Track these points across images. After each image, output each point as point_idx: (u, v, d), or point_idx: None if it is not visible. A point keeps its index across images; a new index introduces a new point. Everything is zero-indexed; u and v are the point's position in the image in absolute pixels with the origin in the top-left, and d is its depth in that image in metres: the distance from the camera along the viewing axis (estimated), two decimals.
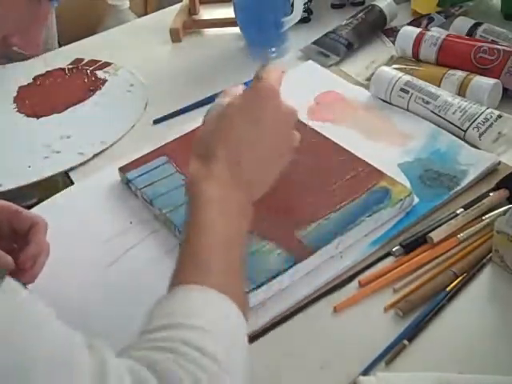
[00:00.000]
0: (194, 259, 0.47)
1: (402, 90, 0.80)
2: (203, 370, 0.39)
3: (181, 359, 0.39)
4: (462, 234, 0.63)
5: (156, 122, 0.88)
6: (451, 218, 0.64)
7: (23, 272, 0.61)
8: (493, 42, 0.86)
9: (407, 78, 0.81)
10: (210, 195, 0.50)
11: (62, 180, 0.82)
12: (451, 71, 0.81)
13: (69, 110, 0.93)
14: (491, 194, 0.66)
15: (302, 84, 0.89)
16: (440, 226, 0.64)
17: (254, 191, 0.54)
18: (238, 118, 0.54)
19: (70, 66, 1.03)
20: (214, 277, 0.46)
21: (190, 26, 1.09)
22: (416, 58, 0.88)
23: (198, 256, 0.47)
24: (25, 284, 0.62)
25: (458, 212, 0.65)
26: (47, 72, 1.02)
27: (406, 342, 0.55)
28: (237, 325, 0.45)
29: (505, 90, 0.79)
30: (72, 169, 0.81)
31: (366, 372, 0.53)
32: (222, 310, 0.45)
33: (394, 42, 0.93)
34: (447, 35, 0.86)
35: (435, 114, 0.77)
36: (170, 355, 0.39)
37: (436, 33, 0.87)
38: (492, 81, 0.78)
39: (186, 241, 0.49)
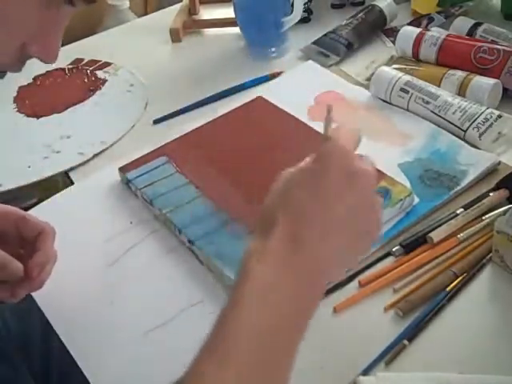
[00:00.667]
0: (215, 349, 0.39)
1: (402, 89, 0.80)
2: None
3: None
4: (461, 234, 0.63)
5: (156, 121, 0.88)
6: (451, 218, 0.64)
7: (30, 279, 0.60)
8: (493, 42, 0.86)
9: (407, 77, 0.81)
10: (255, 271, 0.41)
11: (62, 180, 0.82)
12: (451, 71, 0.81)
13: (69, 110, 0.93)
14: (491, 194, 0.66)
15: (302, 84, 0.89)
16: (440, 225, 0.64)
17: (321, 278, 0.44)
18: (300, 187, 0.44)
19: (70, 66, 1.03)
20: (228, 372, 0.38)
21: (190, 26, 1.09)
22: (416, 57, 0.88)
23: (226, 342, 0.39)
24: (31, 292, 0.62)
25: (458, 212, 0.65)
26: (47, 72, 1.02)
27: (405, 342, 0.55)
28: None
29: (505, 89, 0.79)
30: (72, 169, 0.81)
31: (365, 372, 0.53)
32: None
33: (394, 42, 0.93)
34: (447, 35, 0.86)
35: (435, 114, 0.77)
36: None
37: (436, 33, 0.87)
38: (492, 81, 0.78)
39: (217, 320, 0.42)
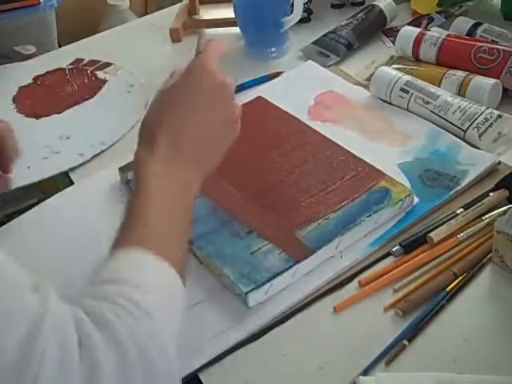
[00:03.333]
0: (135, 223, 0.49)
1: (402, 89, 0.80)
2: (133, 317, 0.41)
3: (115, 307, 0.42)
4: (461, 234, 0.63)
5: None
6: (451, 218, 0.64)
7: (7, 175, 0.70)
8: (493, 42, 0.85)
9: (407, 77, 0.81)
10: (151, 171, 0.52)
11: (62, 180, 0.82)
12: (451, 71, 0.81)
13: (69, 110, 0.93)
14: (491, 194, 0.67)
15: (302, 84, 0.89)
16: (440, 226, 0.64)
17: (202, 166, 0.56)
18: (173, 98, 0.57)
19: (70, 66, 1.03)
20: (153, 240, 0.48)
21: (190, 26, 1.09)
22: (416, 57, 0.88)
23: (139, 220, 0.49)
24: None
25: (458, 212, 0.65)
26: (47, 72, 1.02)
27: (405, 342, 0.55)
28: (172, 285, 0.47)
29: (505, 90, 0.79)
30: (72, 169, 0.81)
31: (365, 372, 0.53)
32: (158, 273, 0.46)
33: (394, 42, 0.92)
34: (447, 35, 0.86)
35: (435, 114, 0.77)
36: (108, 304, 0.42)
37: (436, 33, 0.87)
38: (492, 81, 0.78)
39: (128, 209, 0.51)
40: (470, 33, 0.89)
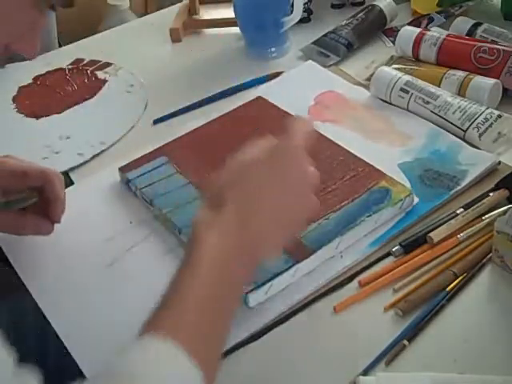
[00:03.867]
0: (173, 305, 0.46)
1: (402, 89, 0.80)
2: None
3: None
4: (461, 234, 0.63)
5: (156, 121, 0.88)
6: (451, 218, 0.64)
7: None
8: (493, 42, 0.85)
9: (407, 77, 0.81)
10: (207, 241, 0.48)
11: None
12: (451, 71, 0.81)
13: (68, 110, 0.93)
14: (491, 194, 0.66)
15: (302, 84, 0.89)
16: (440, 226, 0.64)
17: (261, 249, 0.52)
18: (255, 174, 0.52)
19: (70, 66, 1.03)
20: (185, 333, 0.44)
21: (190, 26, 1.09)
22: (416, 57, 0.88)
23: (179, 303, 0.46)
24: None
25: (458, 212, 0.65)
26: (47, 72, 1.02)
27: (405, 342, 0.55)
28: None
29: (505, 90, 0.79)
30: (72, 169, 0.81)
31: (365, 372, 0.53)
32: (183, 375, 0.42)
33: (394, 42, 0.92)
34: (447, 35, 0.86)
35: (435, 114, 0.77)
36: None
37: (436, 33, 0.87)
38: (492, 81, 0.78)
39: (173, 281, 0.48)
40: (470, 33, 0.89)
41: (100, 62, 1.03)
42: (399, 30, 0.90)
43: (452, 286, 0.59)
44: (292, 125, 0.55)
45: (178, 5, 1.14)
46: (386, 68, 0.84)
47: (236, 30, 1.03)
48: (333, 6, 1.08)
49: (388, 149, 0.75)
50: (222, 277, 0.48)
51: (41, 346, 0.70)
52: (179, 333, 0.43)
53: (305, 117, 0.57)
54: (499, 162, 0.70)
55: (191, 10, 1.11)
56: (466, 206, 0.66)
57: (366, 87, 0.86)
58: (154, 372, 0.41)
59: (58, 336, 0.60)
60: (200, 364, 0.42)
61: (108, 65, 1.02)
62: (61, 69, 1.02)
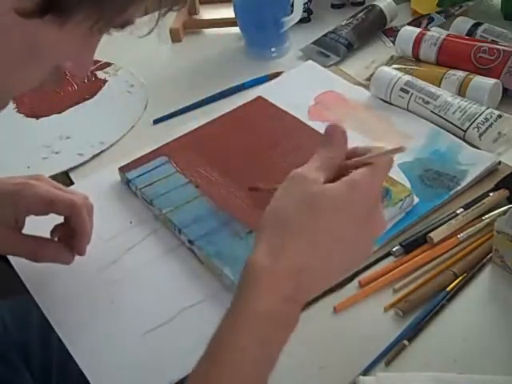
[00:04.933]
0: (222, 358, 0.43)
1: (402, 89, 0.80)
2: None
3: None
4: (461, 234, 0.63)
5: (156, 121, 0.88)
6: (451, 218, 0.64)
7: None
8: (493, 42, 0.85)
9: (407, 77, 0.81)
10: (264, 285, 0.43)
11: (62, 180, 0.82)
12: (451, 71, 0.81)
13: (68, 110, 0.93)
14: (491, 194, 0.66)
15: (302, 84, 0.89)
16: (440, 226, 0.64)
17: (307, 298, 0.48)
18: (326, 209, 0.45)
19: None
20: None
21: (190, 25, 1.09)
22: (416, 57, 0.88)
23: (228, 356, 0.43)
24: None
25: (458, 212, 0.65)
26: None
27: (405, 342, 0.55)
28: None
29: (505, 90, 0.79)
30: (72, 169, 0.81)
31: (366, 372, 0.53)
32: None
33: (394, 42, 0.92)
34: (447, 35, 0.86)
35: (435, 113, 0.77)
36: None
37: (436, 33, 0.87)
38: (492, 81, 0.78)
39: (222, 324, 0.45)
40: (470, 33, 0.89)
41: (100, 61, 1.03)
42: (399, 30, 0.90)
43: (452, 286, 0.59)
44: (377, 161, 0.47)
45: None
46: (386, 68, 0.84)
47: (236, 29, 1.03)
48: (333, 6, 1.08)
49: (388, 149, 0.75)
50: (269, 347, 0.44)
51: (42, 345, 0.70)
52: None
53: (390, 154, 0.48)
54: (499, 162, 0.70)
55: (191, 10, 1.11)
56: (466, 206, 0.66)
57: (366, 87, 0.86)
58: None
59: (58, 336, 0.60)
60: None
61: (108, 65, 1.02)
62: None
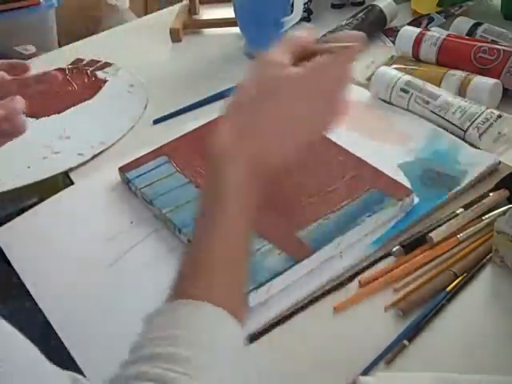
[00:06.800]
0: (198, 268, 0.45)
1: (402, 89, 0.80)
2: None
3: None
4: (461, 234, 0.63)
5: (156, 121, 0.88)
6: (451, 218, 0.64)
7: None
8: (493, 42, 0.86)
9: (407, 77, 0.81)
10: (234, 184, 0.46)
11: (62, 180, 0.82)
12: (451, 71, 0.81)
13: (69, 110, 0.93)
14: (491, 194, 0.66)
15: None
16: (440, 226, 0.64)
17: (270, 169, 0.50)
18: (292, 96, 0.49)
19: (70, 66, 1.03)
20: (217, 293, 0.44)
21: (190, 25, 1.09)
22: (416, 57, 0.88)
23: (203, 265, 0.45)
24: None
25: (458, 212, 0.65)
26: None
27: (406, 342, 0.55)
28: (237, 349, 0.43)
29: (505, 90, 0.79)
30: (72, 169, 0.81)
31: (366, 372, 0.53)
32: (224, 336, 0.42)
33: (394, 42, 0.93)
34: (447, 35, 0.86)
35: (435, 113, 0.77)
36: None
37: (436, 33, 0.87)
38: (492, 81, 0.78)
39: (195, 240, 0.46)
40: (470, 33, 0.89)
41: (100, 61, 1.03)
42: (399, 30, 0.90)
43: (452, 285, 0.59)
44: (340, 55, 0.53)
45: (178, 5, 1.14)
46: (386, 68, 0.84)
47: (236, 29, 1.03)
48: (333, 6, 1.08)
49: (388, 149, 0.75)
50: (243, 224, 0.47)
51: (42, 345, 0.70)
52: (213, 294, 0.43)
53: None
54: (499, 162, 0.70)
55: (191, 10, 1.11)
56: (466, 206, 0.66)
57: (366, 87, 0.86)
58: (208, 338, 0.41)
59: (58, 336, 0.60)
60: (236, 315, 0.43)
61: (108, 65, 1.02)
62: (61, 69, 1.02)
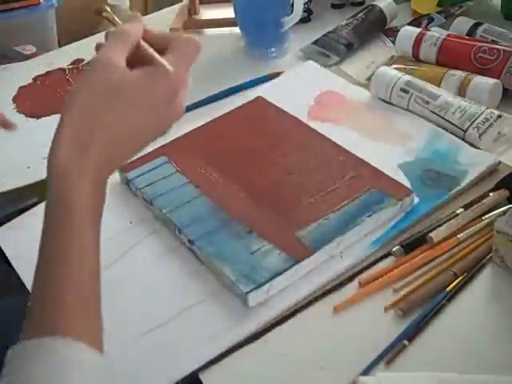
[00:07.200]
0: (45, 296, 0.47)
1: (402, 90, 0.80)
2: None
3: None
4: (461, 234, 0.63)
5: None
6: (451, 218, 0.64)
7: None
8: (493, 42, 0.85)
9: (407, 77, 0.81)
10: (83, 200, 0.50)
11: None
12: (451, 71, 0.81)
13: None
14: (491, 194, 0.67)
15: (302, 84, 0.89)
16: (440, 226, 0.64)
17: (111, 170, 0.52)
18: (129, 102, 0.50)
19: (70, 66, 1.03)
20: (71, 322, 0.45)
21: (190, 25, 1.09)
22: (416, 57, 0.88)
23: (51, 291, 0.46)
24: None
25: (458, 212, 0.65)
26: (47, 72, 1.02)
27: (406, 342, 0.55)
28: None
29: (505, 90, 0.79)
30: None
31: (366, 372, 0.53)
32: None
33: (394, 42, 0.92)
34: (447, 35, 0.86)
35: (435, 113, 0.77)
36: None
37: (436, 33, 0.87)
38: (492, 81, 0.78)
39: (42, 269, 0.48)
40: (470, 33, 0.89)
41: None
42: (399, 30, 0.90)
43: (452, 285, 0.59)
44: (180, 45, 0.52)
45: (178, 5, 1.14)
46: (386, 68, 0.84)
47: (236, 30, 1.03)
48: (333, 6, 1.08)
49: (388, 149, 0.75)
50: (95, 236, 0.50)
51: None
52: (69, 327, 0.44)
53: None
54: (499, 162, 0.70)
55: (191, 10, 1.11)
56: (466, 206, 0.66)
57: (366, 87, 0.86)
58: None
59: None
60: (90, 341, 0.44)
61: None
62: (61, 69, 1.02)
